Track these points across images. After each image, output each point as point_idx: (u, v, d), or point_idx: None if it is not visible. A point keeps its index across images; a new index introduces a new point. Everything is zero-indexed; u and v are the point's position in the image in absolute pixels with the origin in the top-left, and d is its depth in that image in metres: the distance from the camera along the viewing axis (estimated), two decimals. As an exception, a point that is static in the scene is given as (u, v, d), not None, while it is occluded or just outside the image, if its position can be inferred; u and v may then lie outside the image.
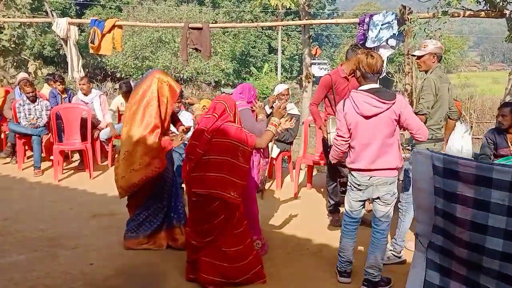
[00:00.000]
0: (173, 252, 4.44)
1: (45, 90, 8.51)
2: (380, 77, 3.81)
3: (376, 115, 3.51)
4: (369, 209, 4.32)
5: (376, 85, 3.60)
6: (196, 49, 7.86)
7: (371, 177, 3.61)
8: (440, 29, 6.05)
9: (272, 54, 38.66)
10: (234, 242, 3.70)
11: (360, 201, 3.77)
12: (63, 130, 7.38)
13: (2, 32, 9.63)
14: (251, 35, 37.64)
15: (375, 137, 3.54)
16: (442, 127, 4.28)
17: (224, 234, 3.67)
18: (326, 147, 4.91)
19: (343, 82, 5.10)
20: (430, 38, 5.63)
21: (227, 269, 3.68)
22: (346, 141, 3.68)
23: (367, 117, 3.53)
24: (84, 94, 7.76)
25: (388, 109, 3.49)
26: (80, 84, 7.84)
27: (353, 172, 3.71)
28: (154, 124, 4.21)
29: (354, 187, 3.73)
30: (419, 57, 4.28)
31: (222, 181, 3.59)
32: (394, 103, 3.49)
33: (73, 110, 7.39)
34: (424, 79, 4.23)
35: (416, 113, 3.95)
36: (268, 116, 6.49)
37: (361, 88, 3.61)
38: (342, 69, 5.14)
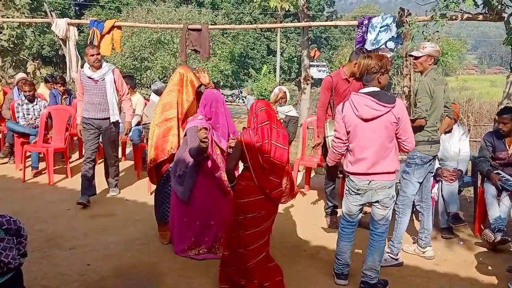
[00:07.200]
0: (170, 253, 4.43)
1: (42, 90, 8.51)
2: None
3: (375, 118, 3.51)
4: (364, 211, 4.32)
5: (377, 88, 3.60)
6: (195, 50, 7.87)
7: (370, 181, 3.61)
8: (438, 31, 6.06)
9: (271, 56, 38.70)
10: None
11: (359, 205, 3.77)
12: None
13: (1, 32, 9.61)
14: (250, 36, 37.69)
15: (374, 140, 3.54)
16: (438, 129, 4.29)
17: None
18: (325, 149, 4.91)
19: (344, 83, 5.08)
20: (429, 41, 5.64)
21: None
22: (344, 143, 3.68)
23: (366, 120, 3.53)
24: (93, 69, 5.81)
25: (387, 112, 3.49)
26: (90, 55, 5.72)
27: (351, 176, 3.69)
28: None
29: (353, 191, 3.71)
30: (416, 58, 4.31)
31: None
32: (394, 106, 3.49)
33: (61, 112, 7.32)
34: (419, 83, 4.25)
35: (416, 119, 3.98)
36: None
37: (361, 90, 3.62)
38: (343, 71, 5.13)
